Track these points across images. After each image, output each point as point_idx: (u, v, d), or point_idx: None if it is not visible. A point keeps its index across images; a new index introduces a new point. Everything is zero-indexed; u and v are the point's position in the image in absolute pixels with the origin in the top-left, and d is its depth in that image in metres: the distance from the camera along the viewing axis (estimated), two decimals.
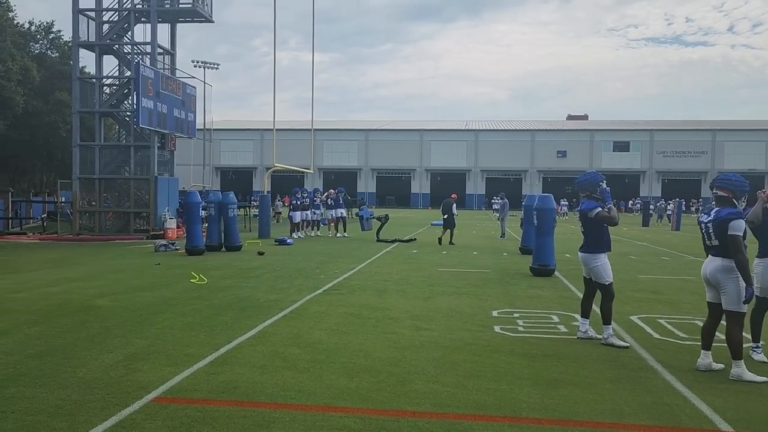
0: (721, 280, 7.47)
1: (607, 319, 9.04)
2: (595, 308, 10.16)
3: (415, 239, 26.93)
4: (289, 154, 76.71)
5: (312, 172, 47.21)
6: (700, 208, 73.44)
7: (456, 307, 11.71)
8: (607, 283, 8.99)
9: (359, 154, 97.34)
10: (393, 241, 24.89)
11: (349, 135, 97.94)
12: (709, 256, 7.70)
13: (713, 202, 7.99)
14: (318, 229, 29.95)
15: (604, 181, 9.25)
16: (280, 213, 47.20)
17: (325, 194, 30.25)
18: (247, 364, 7.57)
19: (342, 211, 29.50)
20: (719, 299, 7.66)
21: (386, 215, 27.43)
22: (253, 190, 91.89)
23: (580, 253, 9.23)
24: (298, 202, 29.21)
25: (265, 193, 30.71)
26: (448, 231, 26.15)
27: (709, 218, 7.64)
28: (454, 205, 26.04)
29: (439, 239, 25.72)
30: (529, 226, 21.03)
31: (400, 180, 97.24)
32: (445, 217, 25.68)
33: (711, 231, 7.57)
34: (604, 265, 8.99)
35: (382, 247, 23.63)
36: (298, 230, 28.57)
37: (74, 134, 32.33)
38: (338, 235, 28.70)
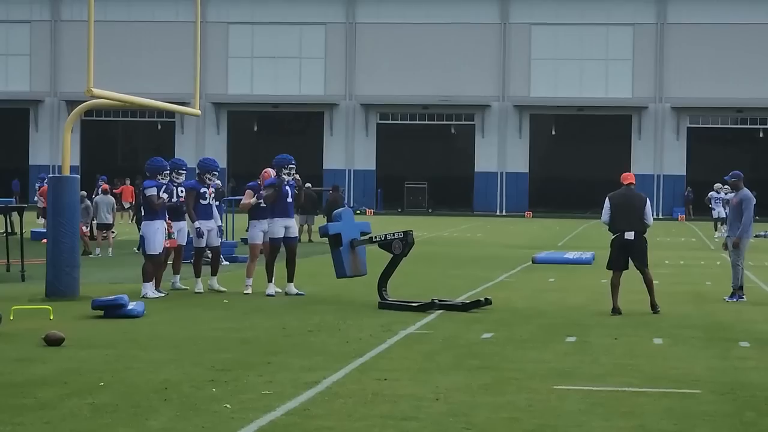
0: None
1: None
2: None
3: (485, 301, 14.40)
4: (133, 63, 52.46)
5: (199, 113, 22.49)
6: None
7: None
8: None
9: (329, 67, 57.01)
10: (423, 308, 13.08)
11: (301, 10, 56.26)
12: None
13: None
14: (214, 273, 15.75)
15: None
16: (108, 229, 23.59)
17: (259, 180, 16.62)
18: None
19: (285, 226, 15.92)
20: None
21: (404, 234, 14.87)
22: (30, 164, 57.02)
23: None
24: (167, 196, 16.57)
25: (67, 174, 17.09)
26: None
27: None
28: (647, 203, 14.28)
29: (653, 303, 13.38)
30: None
31: (443, 133, 58.10)
32: (630, 239, 13.18)
33: None
34: None
35: (393, 323, 11.78)
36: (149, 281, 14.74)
37: None
38: (274, 291, 14.84)
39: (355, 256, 14.00)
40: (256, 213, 15.07)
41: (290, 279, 14.86)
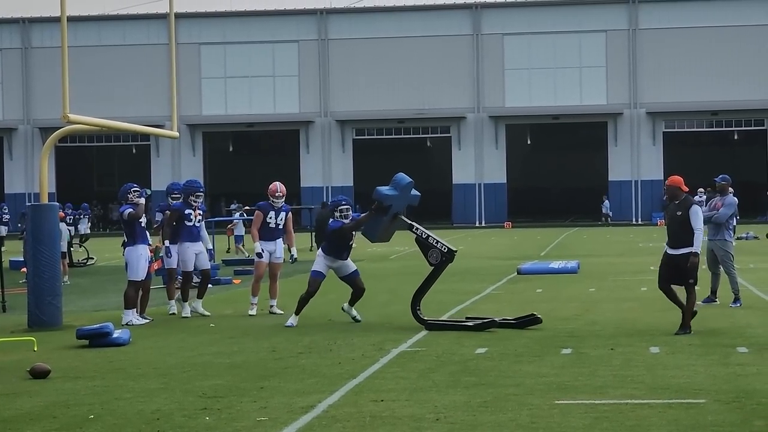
0: None
1: None
2: None
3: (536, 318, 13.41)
4: (106, 87, 52.22)
5: (177, 135, 19.25)
6: None
7: None
8: None
9: (303, 84, 56.30)
10: (480, 327, 12.02)
11: (273, 28, 57.23)
12: None
13: None
14: (200, 296, 15.11)
15: None
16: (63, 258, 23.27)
17: (270, 197, 14.97)
18: None
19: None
20: None
21: (448, 251, 13.72)
22: (6, 192, 55.08)
23: None
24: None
25: (45, 202, 16.40)
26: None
27: None
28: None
29: None
30: None
31: (419, 146, 57.84)
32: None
33: None
34: None
35: (385, 342, 10.92)
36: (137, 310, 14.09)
37: None
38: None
39: (390, 227, 13.54)
40: (264, 233, 14.65)
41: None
